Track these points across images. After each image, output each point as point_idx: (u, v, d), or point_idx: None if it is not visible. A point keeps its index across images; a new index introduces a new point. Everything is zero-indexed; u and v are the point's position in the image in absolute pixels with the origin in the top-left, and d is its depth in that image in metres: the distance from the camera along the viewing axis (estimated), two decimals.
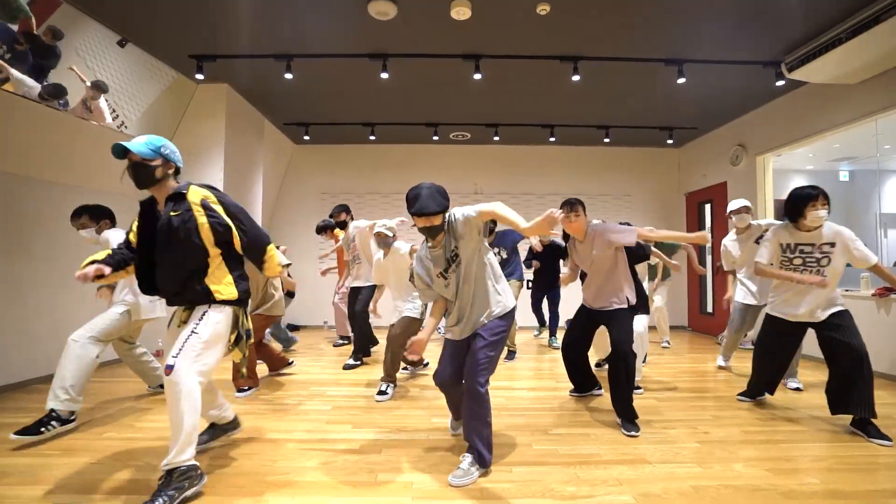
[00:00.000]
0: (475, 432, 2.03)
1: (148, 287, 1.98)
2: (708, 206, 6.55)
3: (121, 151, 1.84)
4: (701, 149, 6.54)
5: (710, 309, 6.43)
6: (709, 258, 6.56)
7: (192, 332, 1.84)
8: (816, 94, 4.52)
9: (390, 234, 3.48)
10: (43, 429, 2.35)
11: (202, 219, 1.87)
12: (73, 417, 2.49)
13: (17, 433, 2.29)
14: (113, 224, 2.92)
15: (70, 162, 3.76)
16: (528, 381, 3.72)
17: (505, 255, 4.43)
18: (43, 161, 3.57)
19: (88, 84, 3.78)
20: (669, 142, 6.52)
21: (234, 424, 2.38)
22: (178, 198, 1.89)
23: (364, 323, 4.28)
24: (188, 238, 1.84)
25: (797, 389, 3.39)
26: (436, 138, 6.34)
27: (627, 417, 2.58)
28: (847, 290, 4.13)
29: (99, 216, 2.88)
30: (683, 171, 6.98)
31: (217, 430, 2.33)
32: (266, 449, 2.29)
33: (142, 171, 1.86)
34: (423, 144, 6.85)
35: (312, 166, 6.98)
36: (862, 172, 7.56)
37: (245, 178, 5.18)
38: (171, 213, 1.85)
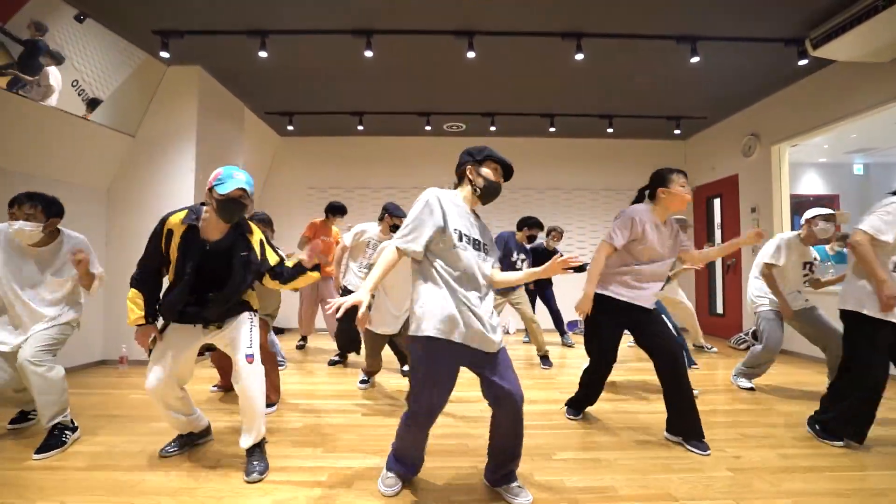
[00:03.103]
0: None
1: (181, 308, 1.92)
2: (717, 201, 6.18)
3: (242, 191, 1.86)
4: (710, 140, 6.17)
5: (719, 310, 6.05)
6: (717, 260, 6.18)
7: (251, 326, 2.03)
8: (840, 76, 4.15)
9: None
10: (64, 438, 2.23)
11: (271, 256, 2.05)
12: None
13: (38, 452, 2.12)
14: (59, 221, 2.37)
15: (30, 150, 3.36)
16: (524, 391, 3.33)
17: (523, 256, 4.24)
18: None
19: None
20: (677, 132, 6.13)
21: (207, 432, 2.29)
22: (241, 234, 1.95)
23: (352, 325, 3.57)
24: (255, 272, 1.98)
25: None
26: (428, 129, 5.95)
27: (696, 434, 2.22)
28: None
29: (51, 212, 2.26)
30: (691, 165, 6.59)
31: (187, 439, 2.21)
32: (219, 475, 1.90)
33: (240, 208, 1.88)
34: (415, 136, 6.45)
35: (298, 159, 6.58)
36: (877, 166, 7.21)
37: None
38: (241, 254, 1.93)
